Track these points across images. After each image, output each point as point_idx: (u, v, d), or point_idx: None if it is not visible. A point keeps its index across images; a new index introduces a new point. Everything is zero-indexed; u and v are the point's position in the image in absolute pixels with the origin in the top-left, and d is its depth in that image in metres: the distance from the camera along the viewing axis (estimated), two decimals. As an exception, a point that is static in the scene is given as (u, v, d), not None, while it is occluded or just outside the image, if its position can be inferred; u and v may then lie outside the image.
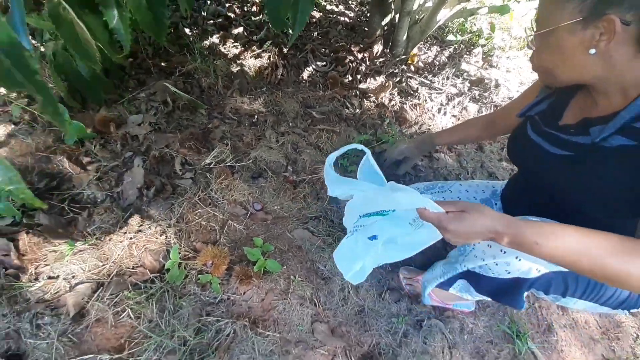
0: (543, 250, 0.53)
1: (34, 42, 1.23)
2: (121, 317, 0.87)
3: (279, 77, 1.61)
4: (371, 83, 1.72)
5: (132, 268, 0.96)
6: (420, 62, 1.93)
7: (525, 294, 0.74)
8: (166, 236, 1.03)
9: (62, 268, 0.92)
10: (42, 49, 1.16)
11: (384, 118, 1.57)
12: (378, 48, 1.83)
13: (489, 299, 0.83)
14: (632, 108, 0.55)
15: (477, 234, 0.57)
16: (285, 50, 1.72)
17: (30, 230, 0.95)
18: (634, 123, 0.55)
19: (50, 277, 0.90)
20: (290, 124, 1.45)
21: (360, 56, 1.80)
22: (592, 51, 0.54)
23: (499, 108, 1.57)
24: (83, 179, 1.08)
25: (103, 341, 0.83)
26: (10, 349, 0.79)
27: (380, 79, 1.74)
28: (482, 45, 2.15)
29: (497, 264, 0.70)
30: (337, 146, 1.41)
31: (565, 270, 0.62)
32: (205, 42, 1.67)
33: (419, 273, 1.06)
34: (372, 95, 1.67)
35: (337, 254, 0.73)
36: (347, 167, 1.33)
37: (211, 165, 1.22)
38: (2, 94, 1.22)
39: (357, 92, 1.67)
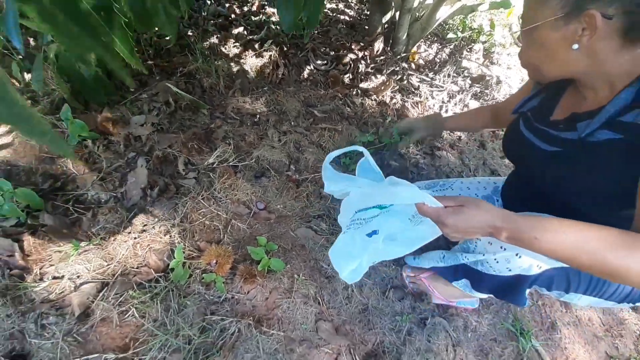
0: (542, 244, 0.53)
1: (35, 44, 1.24)
2: (126, 316, 0.87)
3: (280, 76, 1.62)
4: (372, 81, 1.72)
5: (137, 268, 0.96)
6: (421, 59, 1.93)
7: (528, 291, 0.74)
8: (170, 236, 1.03)
9: (67, 268, 0.92)
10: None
11: (386, 116, 1.57)
12: (379, 46, 1.83)
13: (492, 296, 0.83)
14: (617, 101, 0.55)
15: (475, 229, 0.57)
16: (285, 49, 1.72)
17: (35, 231, 0.95)
18: (620, 117, 0.55)
19: (55, 277, 0.90)
20: (292, 123, 1.45)
21: (360, 54, 1.80)
22: (575, 46, 0.55)
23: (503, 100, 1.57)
24: (87, 179, 1.08)
25: (108, 340, 0.84)
26: (14, 349, 0.79)
27: (381, 77, 1.74)
28: (483, 43, 2.14)
29: (497, 261, 0.70)
30: (339, 145, 1.41)
31: (567, 266, 0.62)
32: (206, 42, 1.67)
33: (422, 271, 1.06)
34: (373, 93, 1.67)
35: (333, 251, 0.72)
36: (349, 165, 1.33)
37: (214, 165, 1.22)
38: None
39: (358, 90, 1.67)
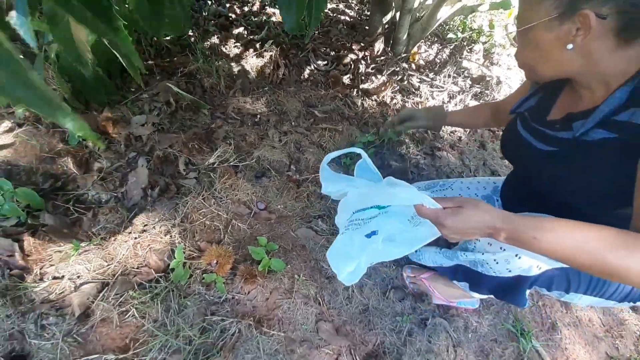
0: (542, 245, 0.53)
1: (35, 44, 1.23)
2: (126, 316, 0.87)
3: (281, 76, 1.62)
4: (373, 82, 1.72)
5: (137, 268, 0.96)
6: (422, 60, 1.93)
7: (528, 291, 0.74)
8: (171, 236, 1.03)
9: (67, 268, 0.92)
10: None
11: (386, 116, 1.57)
12: (379, 46, 1.83)
13: (492, 297, 0.83)
14: (611, 101, 0.55)
15: (474, 230, 0.57)
16: (286, 49, 1.72)
17: (35, 231, 0.95)
18: (615, 116, 0.55)
19: (55, 278, 0.90)
20: (293, 123, 1.45)
21: (361, 55, 1.80)
22: (570, 46, 0.55)
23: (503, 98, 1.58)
24: (87, 179, 1.08)
25: (108, 341, 0.84)
26: (14, 349, 0.79)
27: (382, 78, 1.74)
28: (483, 43, 2.14)
29: (497, 262, 0.70)
30: (339, 145, 1.41)
31: (567, 266, 0.62)
32: (206, 42, 1.67)
33: (422, 272, 1.06)
34: (373, 93, 1.67)
35: (331, 252, 0.72)
36: (350, 165, 1.33)
37: (215, 165, 1.22)
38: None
39: (359, 90, 1.67)
